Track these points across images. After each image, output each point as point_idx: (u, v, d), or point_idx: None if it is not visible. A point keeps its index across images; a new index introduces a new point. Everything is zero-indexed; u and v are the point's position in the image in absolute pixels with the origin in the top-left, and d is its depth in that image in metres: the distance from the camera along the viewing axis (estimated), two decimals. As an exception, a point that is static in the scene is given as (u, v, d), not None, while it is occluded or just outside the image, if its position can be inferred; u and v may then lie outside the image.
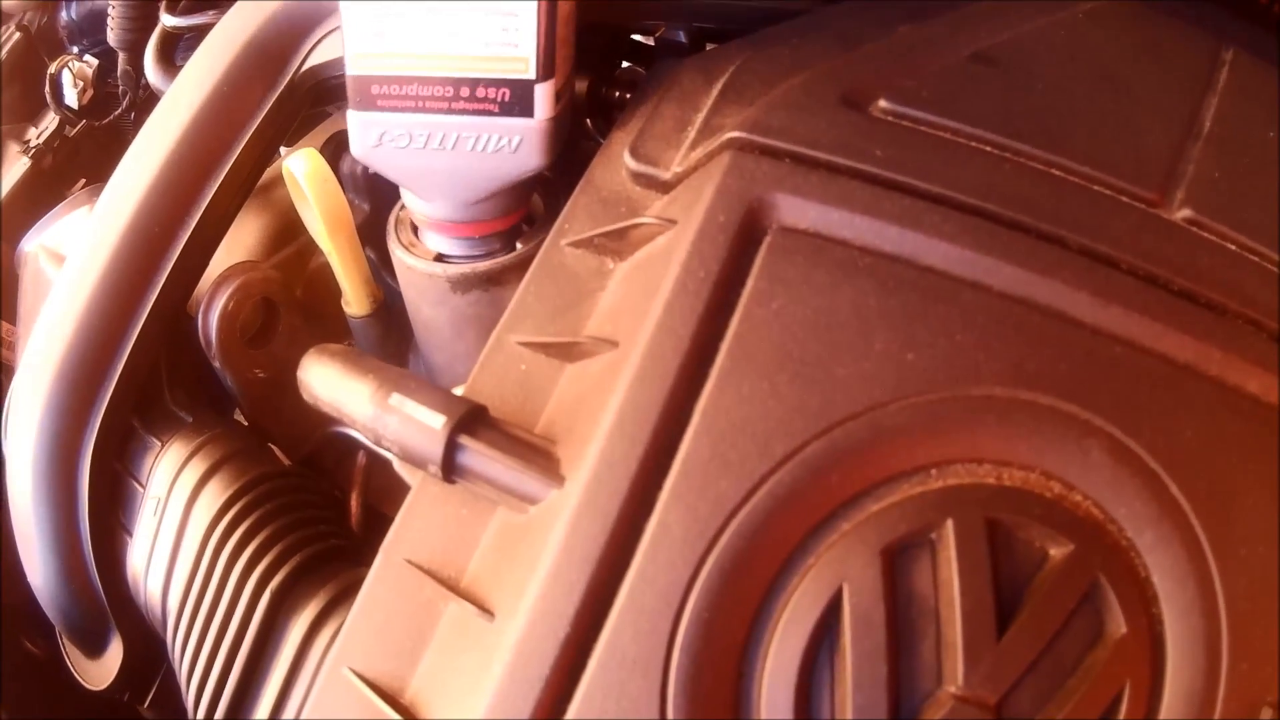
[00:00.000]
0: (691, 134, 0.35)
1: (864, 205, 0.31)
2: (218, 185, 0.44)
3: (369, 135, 0.37)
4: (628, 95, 0.42)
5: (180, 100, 0.46)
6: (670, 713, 0.26)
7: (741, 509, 0.27)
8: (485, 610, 0.29)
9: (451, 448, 0.30)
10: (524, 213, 0.42)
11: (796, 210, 0.31)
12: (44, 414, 0.44)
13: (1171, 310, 0.30)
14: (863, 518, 0.28)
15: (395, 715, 0.30)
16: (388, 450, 0.31)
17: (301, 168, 0.43)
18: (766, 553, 0.27)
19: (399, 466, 0.34)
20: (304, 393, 0.35)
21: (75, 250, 0.45)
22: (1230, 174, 0.33)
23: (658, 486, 0.28)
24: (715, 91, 0.36)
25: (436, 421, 0.30)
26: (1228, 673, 0.27)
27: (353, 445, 0.45)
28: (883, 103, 0.33)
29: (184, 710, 0.51)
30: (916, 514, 0.28)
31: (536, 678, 0.27)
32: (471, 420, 0.30)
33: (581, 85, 0.43)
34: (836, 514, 0.28)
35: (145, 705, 0.49)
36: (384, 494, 0.46)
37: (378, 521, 0.47)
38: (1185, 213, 0.32)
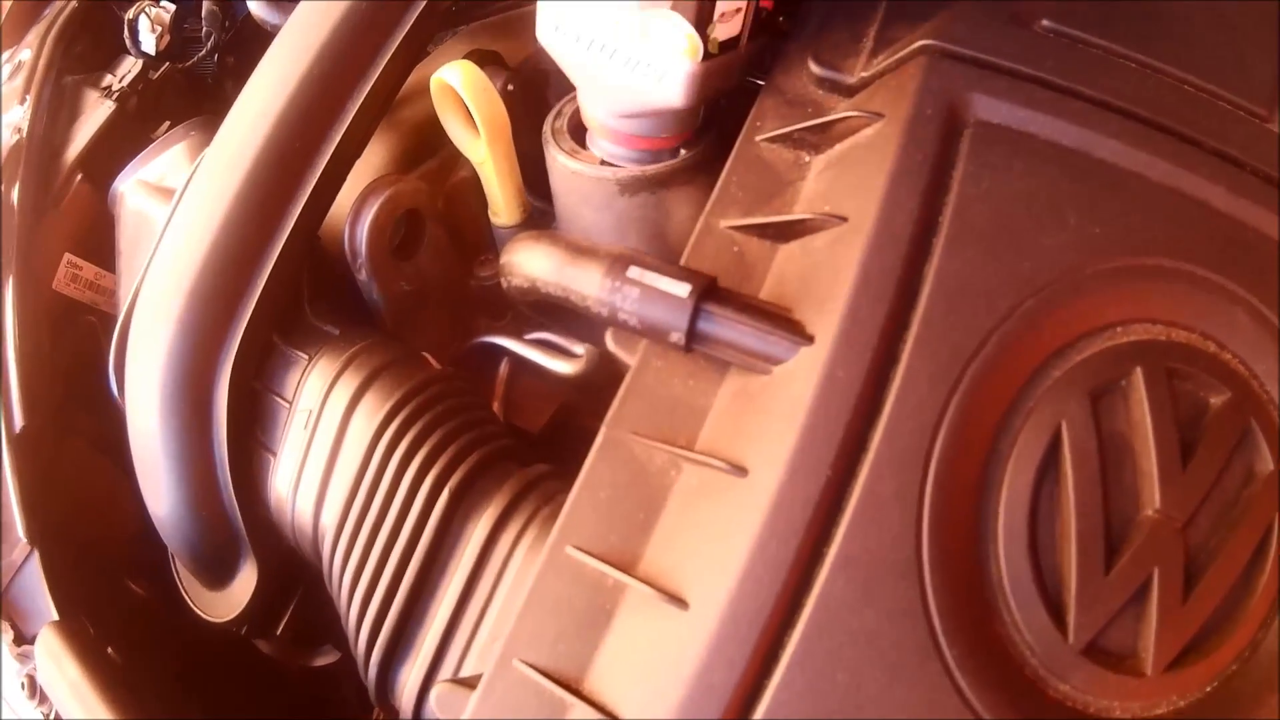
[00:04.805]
0: (869, 44, 0.38)
1: (1047, 106, 0.35)
2: (360, 103, 0.44)
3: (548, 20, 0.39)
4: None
5: (314, 21, 0.46)
6: (925, 542, 0.29)
7: (976, 358, 0.31)
8: (737, 467, 0.31)
9: (697, 314, 0.32)
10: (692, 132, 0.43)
11: (990, 108, 0.35)
12: (175, 337, 0.43)
13: (1289, 207, 0.35)
14: (1069, 366, 0.32)
15: (634, 581, 0.31)
16: (625, 321, 0.33)
17: (458, 77, 0.43)
18: (997, 396, 0.31)
19: (610, 342, 0.35)
20: (514, 277, 0.36)
21: (200, 176, 0.44)
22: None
23: (901, 340, 0.31)
24: (881, 10, 0.39)
25: (681, 290, 0.32)
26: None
27: (494, 355, 0.46)
28: (1045, 22, 0.37)
29: (303, 641, 0.50)
30: (1114, 363, 0.32)
31: (800, 522, 0.30)
32: (712, 289, 0.33)
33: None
34: (1049, 362, 0.32)
35: (278, 631, 0.47)
36: (518, 407, 0.47)
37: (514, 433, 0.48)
38: (1289, 126, 0.37)
